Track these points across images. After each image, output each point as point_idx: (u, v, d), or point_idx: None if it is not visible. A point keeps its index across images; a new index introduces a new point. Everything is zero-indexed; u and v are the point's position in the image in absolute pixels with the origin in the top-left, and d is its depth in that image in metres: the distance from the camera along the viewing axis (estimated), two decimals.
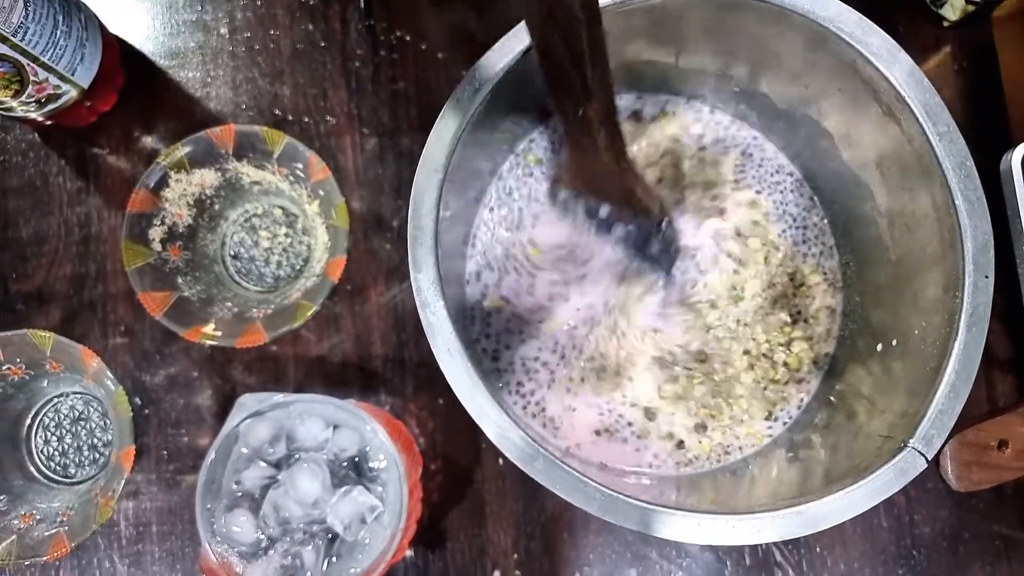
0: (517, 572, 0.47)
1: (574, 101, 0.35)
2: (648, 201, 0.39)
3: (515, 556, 0.47)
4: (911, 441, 0.32)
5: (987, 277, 0.32)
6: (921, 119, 0.33)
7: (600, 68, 0.33)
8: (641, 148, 0.46)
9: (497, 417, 0.33)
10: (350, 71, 0.50)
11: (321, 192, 0.44)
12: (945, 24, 0.50)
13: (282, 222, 0.48)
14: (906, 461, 0.32)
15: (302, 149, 0.43)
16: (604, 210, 0.40)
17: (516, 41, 0.35)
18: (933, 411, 0.33)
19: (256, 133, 0.43)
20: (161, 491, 0.47)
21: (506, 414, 0.33)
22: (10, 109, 0.45)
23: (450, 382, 0.34)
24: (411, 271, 0.34)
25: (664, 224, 0.41)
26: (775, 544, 0.46)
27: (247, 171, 0.45)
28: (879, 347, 0.38)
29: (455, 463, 0.47)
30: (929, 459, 0.32)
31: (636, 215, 0.40)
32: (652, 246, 0.42)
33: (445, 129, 0.35)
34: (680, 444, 0.43)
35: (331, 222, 0.44)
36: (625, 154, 0.38)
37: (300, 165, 0.44)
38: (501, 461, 0.47)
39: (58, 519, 0.42)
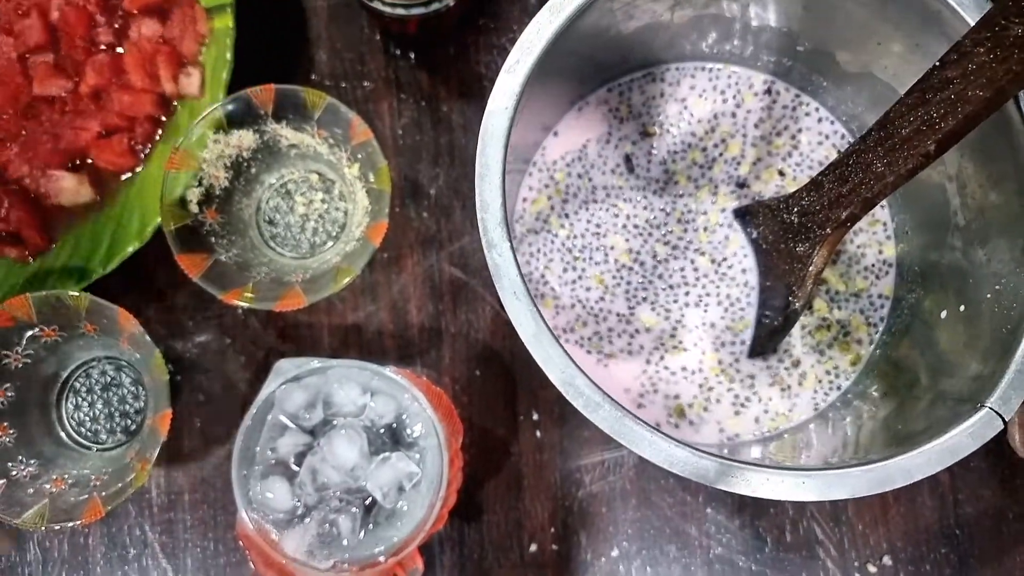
0: (554, 546, 0.46)
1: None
2: (802, 290, 0.39)
3: (552, 530, 0.46)
4: (988, 401, 0.32)
5: None
6: None
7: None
8: (690, 111, 0.45)
9: (562, 363, 0.32)
10: (389, 34, 0.49)
11: (360, 155, 0.43)
12: None
13: (319, 188, 0.47)
14: (982, 422, 0.32)
15: (344, 111, 0.42)
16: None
17: None
18: (1012, 371, 0.32)
19: (296, 93, 0.42)
20: (194, 459, 0.46)
21: (572, 361, 0.32)
22: None
23: (515, 326, 0.33)
24: (477, 211, 0.33)
25: (791, 311, 0.40)
26: (816, 521, 0.46)
27: (285, 133, 0.44)
28: (943, 314, 0.37)
29: (492, 435, 0.47)
30: (1007, 420, 0.31)
31: (786, 290, 0.40)
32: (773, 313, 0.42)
33: (518, 62, 0.34)
34: (738, 410, 0.43)
35: (372, 185, 0.43)
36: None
37: (339, 129, 0.43)
38: (539, 434, 0.46)
39: (91, 484, 0.42)
